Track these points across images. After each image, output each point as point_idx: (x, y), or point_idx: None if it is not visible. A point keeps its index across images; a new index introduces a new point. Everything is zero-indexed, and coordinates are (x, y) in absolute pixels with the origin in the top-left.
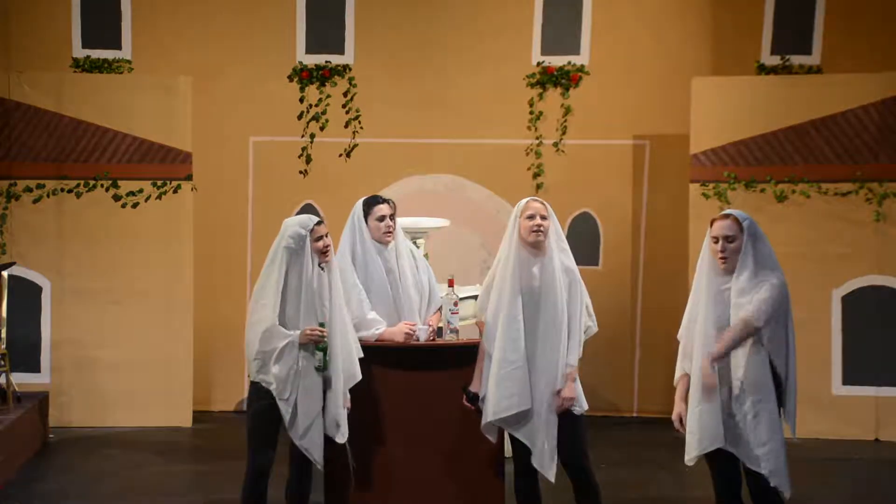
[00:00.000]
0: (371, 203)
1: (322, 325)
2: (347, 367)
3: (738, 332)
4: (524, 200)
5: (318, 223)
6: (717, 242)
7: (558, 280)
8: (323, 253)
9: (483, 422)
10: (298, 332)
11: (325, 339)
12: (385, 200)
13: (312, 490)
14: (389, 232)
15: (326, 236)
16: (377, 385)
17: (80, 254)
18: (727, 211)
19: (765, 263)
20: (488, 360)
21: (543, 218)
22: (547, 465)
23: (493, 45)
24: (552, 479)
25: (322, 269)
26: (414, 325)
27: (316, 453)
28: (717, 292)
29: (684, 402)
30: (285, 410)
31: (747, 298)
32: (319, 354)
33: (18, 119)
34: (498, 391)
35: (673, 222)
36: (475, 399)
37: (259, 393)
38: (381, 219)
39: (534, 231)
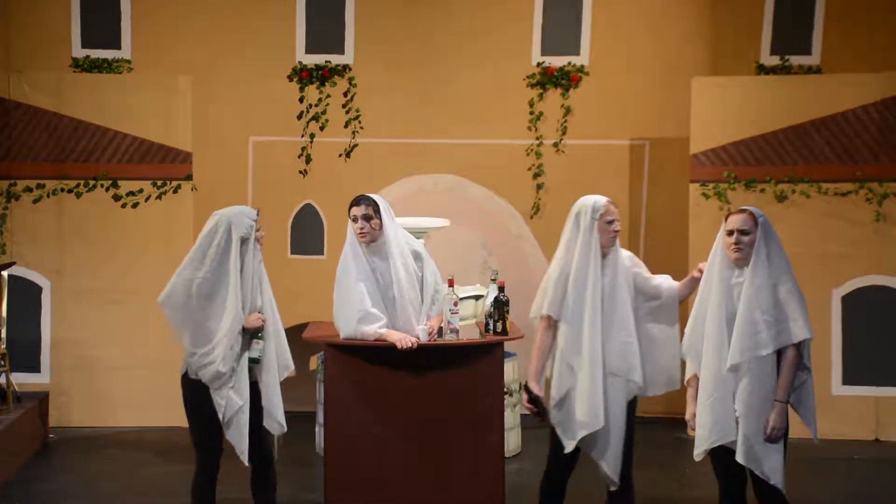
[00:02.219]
0: (351, 204)
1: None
2: (281, 357)
3: (789, 366)
4: (601, 202)
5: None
6: (731, 235)
7: (625, 283)
8: (259, 242)
9: (571, 437)
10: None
11: (262, 329)
12: (361, 202)
13: (278, 483)
14: (362, 234)
15: (261, 228)
16: (377, 385)
17: (80, 254)
18: (743, 207)
19: (778, 262)
20: (567, 370)
21: (618, 221)
22: (617, 471)
23: (493, 45)
24: (617, 481)
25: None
26: (416, 340)
27: (241, 445)
28: (729, 286)
29: (696, 400)
30: (221, 399)
31: (765, 304)
32: (260, 344)
33: (18, 119)
34: (590, 407)
35: (673, 222)
36: (537, 400)
37: (194, 389)
38: (355, 220)
39: (612, 237)
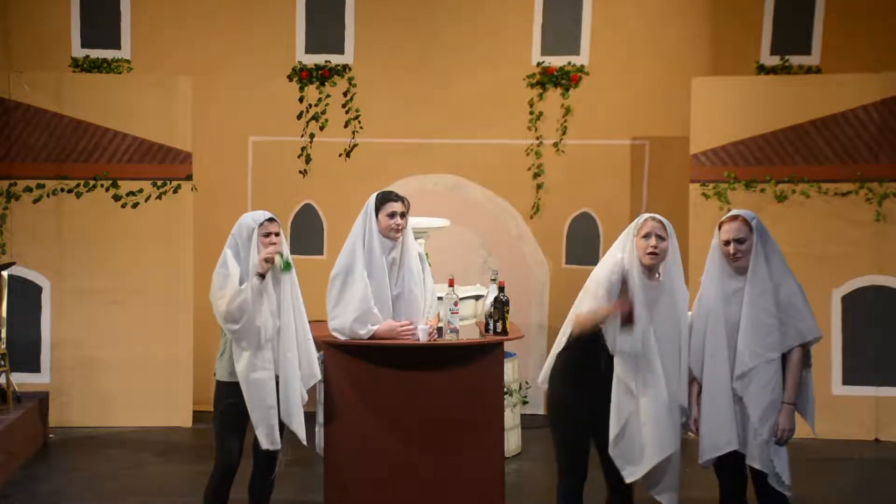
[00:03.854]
0: (384, 198)
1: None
2: (308, 366)
3: (796, 367)
4: (642, 217)
5: (270, 219)
6: (728, 245)
7: (682, 309)
8: (265, 246)
9: (635, 465)
10: (246, 284)
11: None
12: (399, 198)
13: (279, 484)
14: (397, 230)
15: (276, 234)
16: (377, 385)
17: (80, 254)
18: (734, 212)
19: (777, 264)
20: (626, 395)
21: (660, 238)
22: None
23: (494, 45)
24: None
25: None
26: (406, 324)
27: (295, 412)
28: (729, 294)
29: (696, 404)
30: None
31: (770, 307)
32: (279, 259)
33: (18, 119)
34: (658, 433)
35: (673, 222)
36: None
37: (225, 392)
38: (392, 215)
39: (649, 254)
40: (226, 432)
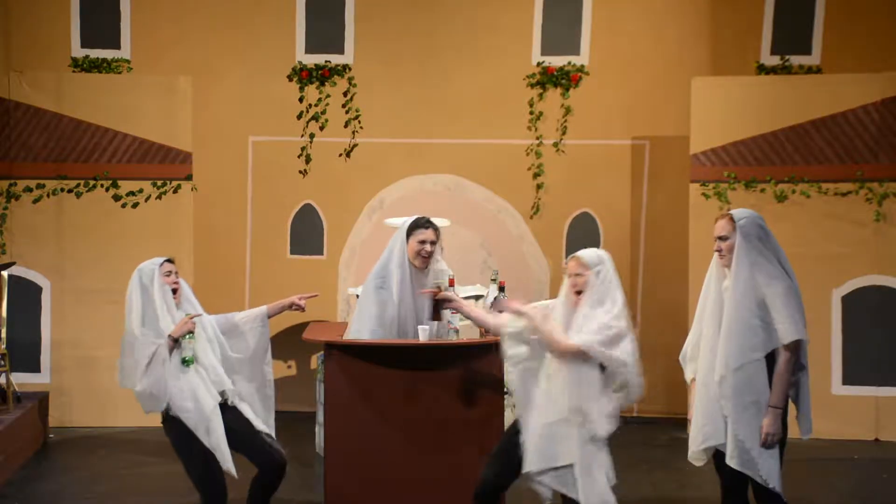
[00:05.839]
0: (416, 225)
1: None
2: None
3: (781, 371)
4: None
5: (168, 260)
6: (715, 242)
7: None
8: (172, 291)
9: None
10: (163, 339)
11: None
12: (430, 226)
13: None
14: (425, 257)
15: (175, 274)
16: (377, 384)
17: (80, 254)
18: (728, 211)
19: (762, 264)
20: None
21: (578, 275)
22: None
23: (493, 45)
24: None
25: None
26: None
27: (223, 454)
28: (720, 292)
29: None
30: (187, 418)
31: (754, 307)
32: (192, 343)
33: (18, 119)
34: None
35: (673, 222)
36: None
37: (185, 429)
38: (422, 242)
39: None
40: (206, 471)
